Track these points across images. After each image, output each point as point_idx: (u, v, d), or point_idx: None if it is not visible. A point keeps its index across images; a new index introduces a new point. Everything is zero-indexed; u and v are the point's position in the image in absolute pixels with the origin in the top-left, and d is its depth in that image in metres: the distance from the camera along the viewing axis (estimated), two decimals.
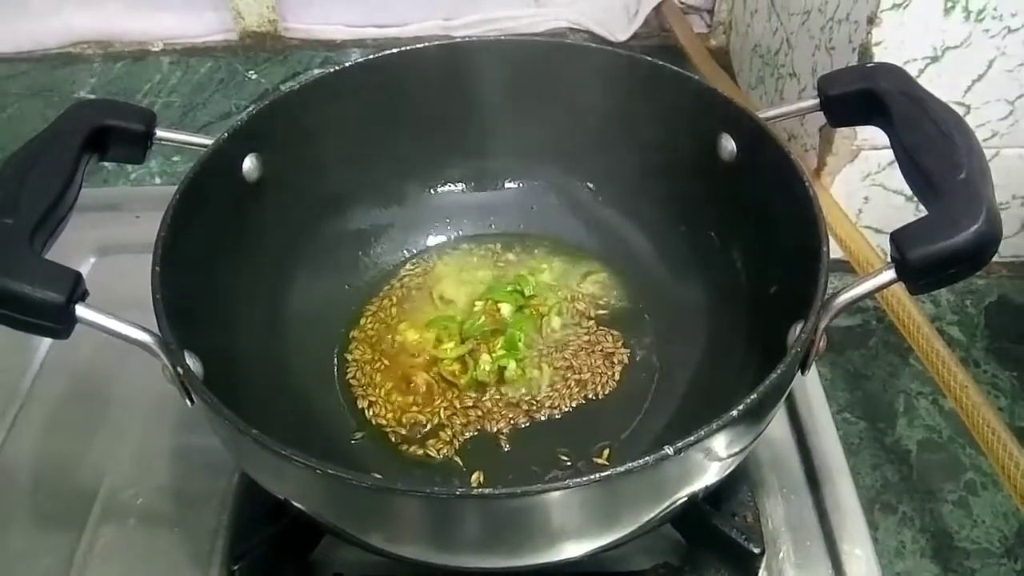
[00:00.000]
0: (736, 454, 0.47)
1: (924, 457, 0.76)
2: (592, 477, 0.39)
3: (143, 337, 0.45)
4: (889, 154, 0.83)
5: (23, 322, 0.44)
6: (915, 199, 0.85)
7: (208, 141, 0.55)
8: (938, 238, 0.44)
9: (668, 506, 0.46)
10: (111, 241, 0.75)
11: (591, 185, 0.69)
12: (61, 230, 0.50)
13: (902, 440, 0.77)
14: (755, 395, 0.42)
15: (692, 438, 0.40)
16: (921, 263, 0.44)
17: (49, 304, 0.43)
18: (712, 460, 0.44)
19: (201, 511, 0.59)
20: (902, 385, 0.81)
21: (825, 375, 0.80)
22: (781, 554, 0.56)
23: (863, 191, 0.85)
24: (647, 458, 0.39)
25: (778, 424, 0.63)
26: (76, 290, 0.44)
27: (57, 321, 0.44)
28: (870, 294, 0.46)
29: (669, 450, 0.40)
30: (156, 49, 1.15)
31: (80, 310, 0.44)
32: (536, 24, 1.13)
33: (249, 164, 0.58)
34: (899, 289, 0.70)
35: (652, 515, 0.46)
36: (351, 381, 0.62)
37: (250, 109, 0.58)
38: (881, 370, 0.82)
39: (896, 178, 0.85)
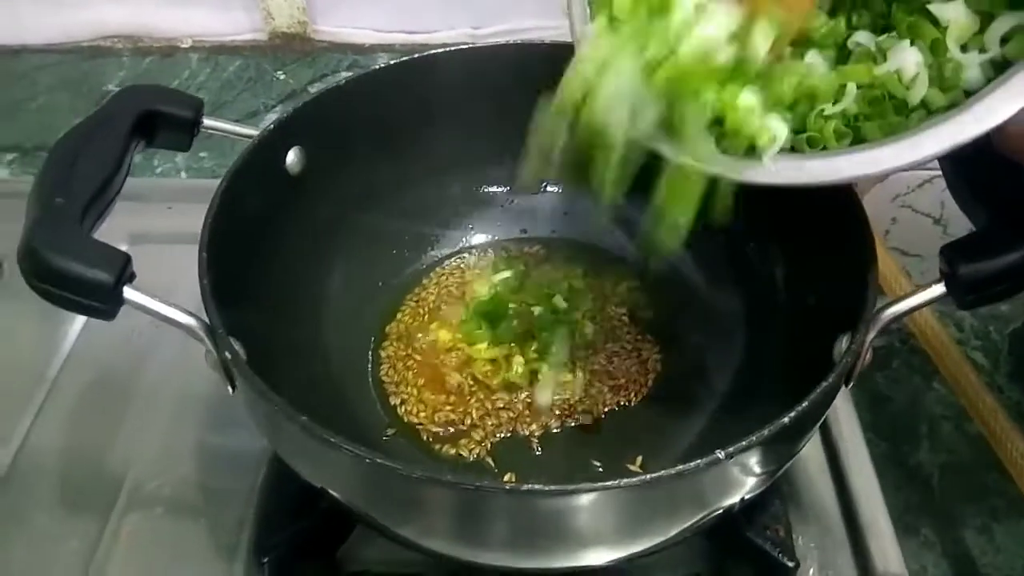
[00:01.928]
0: (779, 465, 0.47)
1: (947, 481, 0.75)
2: (644, 478, 0.39)
3: (189, 321, 0.45)
4: (918, 176, 0.84)
5: (71, 301, 0.44)
6: (943, 222, 0.86)
7: (254, 132, 0.56)
8: (990, 254, 0.44)
9: (708, 515, 0.45)
10: (143, 230, 0.75)
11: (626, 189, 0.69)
12: (108, 213, 0.50)
13: (925, 464, 0.76)
14: (806, 403, 0.42)
15: (744, 443, 0.40)
16: (972, 279, 0.44)
17: (98, 284, 0.43)
18: (757, 469, 0.44)
19: (227, 503, 0.59)
20: (925, 408, 0.80)
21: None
22: (812, 571, 0.56)
23: (891, 212, 0.85)
24: (699, 461, 0.39)
25: (811, 443, 0.63)
26: (125, 271, 0.45)
27: (104, 301, 0.44)
28: (918, 308, 0.46)
29: (721, 454, 0.39)
30: (185, 46, 1.15)
31: (128, 292, 0.45)
32: (565, 35, 1.13)
33: (293, 157, 0.58)
34: (927, 311, 0.70)
35: (691, 523, 0.45)
36: (384, 377, 0.62)
37: (296, 103, 0.58)
38: (904, 392, 0.81)
39: (924, 200, 0.86)
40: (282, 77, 1.10)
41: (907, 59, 0.43)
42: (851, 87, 0.44)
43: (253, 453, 0.60)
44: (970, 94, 0.41)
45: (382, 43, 1.16)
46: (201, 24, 1.14)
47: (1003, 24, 0.41)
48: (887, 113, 0.43)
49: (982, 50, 0.42)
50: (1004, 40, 0.41)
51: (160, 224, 0.76)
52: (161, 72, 1.10)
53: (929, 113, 0.42)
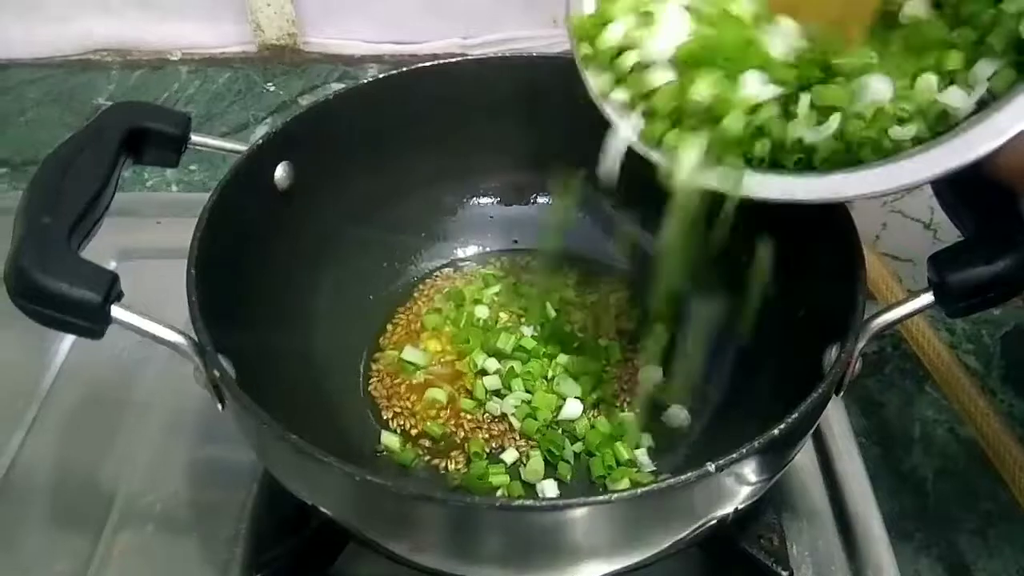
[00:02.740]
0: (771, 475, 0.46)
1: (940, 486, 0.75)
2: (635, 492, 0.39)
3: (177, 339, 0.45)
4: None
5: (58, 320, 0.44)
6: (933, 227, 0.86)
7: (242, 148, 0.56)
8: (978, 262, 0.44)
9: (700, 526, 0.45)
10: (131, 246, 0.75)
11: (613, 202, 0.69)
12: (96, 231, 0.49)
13: (918, 468, 0.76)
14: (796, 414, 0.42)
15: (735, 455, 0.40)
16: (960, 287, 0.44)
17: (86, 303, 0.43)
18: (749, 479, 0.44)
19: (219, 519, 0.58)
20: (918, 413, 0.80)
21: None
22: None
23: (881, 217, 0.85)
24: (689, 474, 0.39)
25: (804, 451, 0.63)
26: (112, 290, 0.44)
27: (92, 321, 0.44)
28: (907, 317, 0.46)
29: (711, 467, 0.39)
30: (175, 58, 1.15)
31: (115, 311, 0.44)
32: (554, 44, 1.13)
33: (281, 172, 0.58)
34: (919, 316, 0.70)
35: (683, 535, 0.45)
36: (374, 392, 0.62)
37: (285, 118, 0.58)
38: (897, 397, 0.82)
39: (915, 205, 0.86)
40: (272, 89, 1.10)
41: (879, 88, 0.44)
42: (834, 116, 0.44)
43: (245, 468, 0.60)
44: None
45: (372, 54, 1.16)
46: (190, 37, 1.14)
47: (989, 66, 0.41)
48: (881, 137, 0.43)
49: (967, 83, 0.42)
50: None
51: (149, 239, 0.76)
52: (150, 85, 1.10)
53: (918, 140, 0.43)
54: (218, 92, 1.09)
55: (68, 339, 0.70)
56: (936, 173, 0.40)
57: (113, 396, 0.67)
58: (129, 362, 0.68)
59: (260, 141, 0.56)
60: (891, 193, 0.42)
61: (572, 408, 0.60)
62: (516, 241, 0.71)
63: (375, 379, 0.63)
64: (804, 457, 0.62)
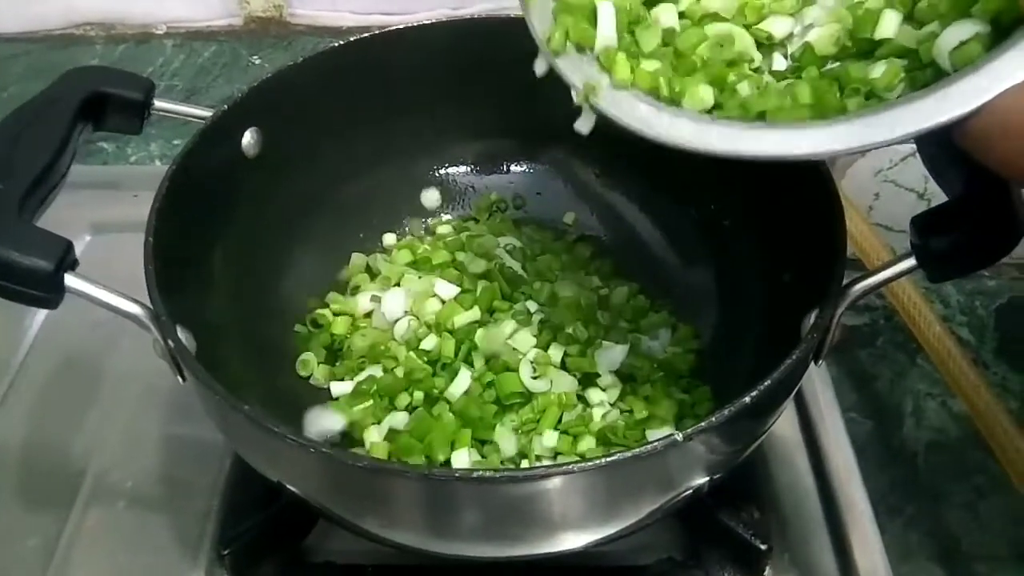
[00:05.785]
0: (745, 444, 0.45)
1: (932, 459, 0.74)
2: (598, 462, 0.37)
3: (133, 309, 0.44)
4: (902, 150, 0.82)
5: (11, 290, 0.43)
6: (927, 197, 0.84)
7: (207, 113, 0.54)
8: (961, 225, 0.42)
9: (673, 497, 0.44)
10: (107, 219, 0.73)
11: (597, 170, 0.68)
12: (52, 199, 0.48)
13: (909, 441, 0.75)
14: (769, 381, 0.40)
15: (703, 424, 0.39)
16: (943, 251, 0.43)
17: (37, 272, 0.42)
18: (721, 449, 0.42)
19: (191, 495, 0.58)
20: (910, 386, 0.79)
21: (831, 374, 0.79)
22: (787, 552, 0.55)
23: (874, 187, 0.84)
24: (655, 443, 0.38)
25: (787, 423, 0.62)
26: (66, 258, 0.43)
27: (45, 290, 0.43)
28: (889, 281, 0.45)
29: (678, 436, 0.38)
30: (160, 32, 1.13)
31: (69, 279, 0.43)
32: None
33: (248, 139, 0.57)
34: (911, 287, 0.69)
35: (656, 506, 0.44)
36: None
37: (251, 83, 0.56)
38: (889, 370, 0.81)
39: (908, 174, 0.84)
40: (258, 62, 1.08)
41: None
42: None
43: (217, 445, 0.59)
44: None
45: (359, 25, 1.13)
46: (175, 10, 1.12)
47: (954, 35, 0.38)
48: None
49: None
50: None
51: (125, 212, 0.74)
52: (135, 59, 1.08)
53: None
54: (203, 66, 1.08)
55: (41, 314, 0.69)
56: (898, 135, 0.37)
57: (85, 371, 0.66)
58: (102, 336, 0.67)
59: (226, 106, 0.54)
60: (843, 154, 0.39)
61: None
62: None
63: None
64: (788, 429, 0.61)
